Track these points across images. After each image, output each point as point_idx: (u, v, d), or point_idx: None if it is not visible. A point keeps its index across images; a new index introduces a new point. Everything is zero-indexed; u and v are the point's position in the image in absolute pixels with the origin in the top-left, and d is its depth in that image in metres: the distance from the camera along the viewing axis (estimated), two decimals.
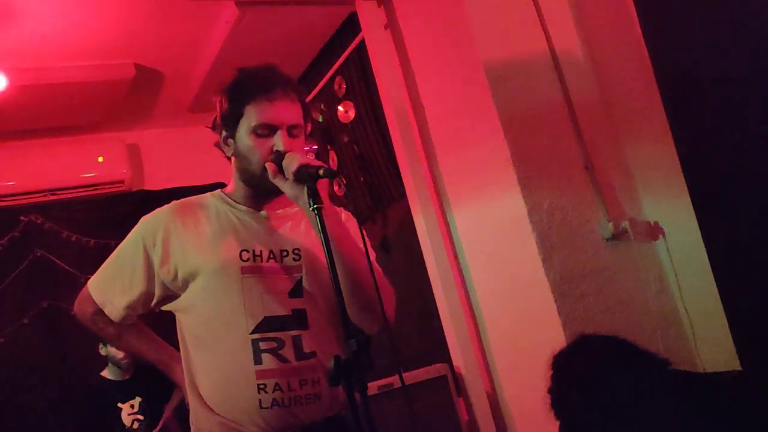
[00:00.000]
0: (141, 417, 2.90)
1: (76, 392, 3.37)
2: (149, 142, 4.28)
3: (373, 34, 2.97)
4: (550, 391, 1.64)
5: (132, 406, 2.90)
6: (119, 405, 2.89)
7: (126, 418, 2.88)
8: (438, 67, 2.76)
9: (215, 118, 1.50)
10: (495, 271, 2.60)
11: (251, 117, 1.43)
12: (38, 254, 3.77)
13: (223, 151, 1.52)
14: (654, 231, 2.48)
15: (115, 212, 3.97)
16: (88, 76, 3.38)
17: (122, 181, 4.03)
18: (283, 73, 1.49)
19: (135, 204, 4.01)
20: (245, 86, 1.45)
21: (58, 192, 3.89)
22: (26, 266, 3.73)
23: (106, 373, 2.97)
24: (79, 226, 3.90)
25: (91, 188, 3.96)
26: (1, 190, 3.76)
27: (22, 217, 3.79)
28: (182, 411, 2.72)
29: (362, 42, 3.17)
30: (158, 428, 2.80)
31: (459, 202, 2.76)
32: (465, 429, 2.77)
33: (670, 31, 2.42)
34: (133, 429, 2.86)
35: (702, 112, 2.35)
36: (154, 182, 4.22)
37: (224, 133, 1.49)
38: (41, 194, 3.84)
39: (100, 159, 3.96)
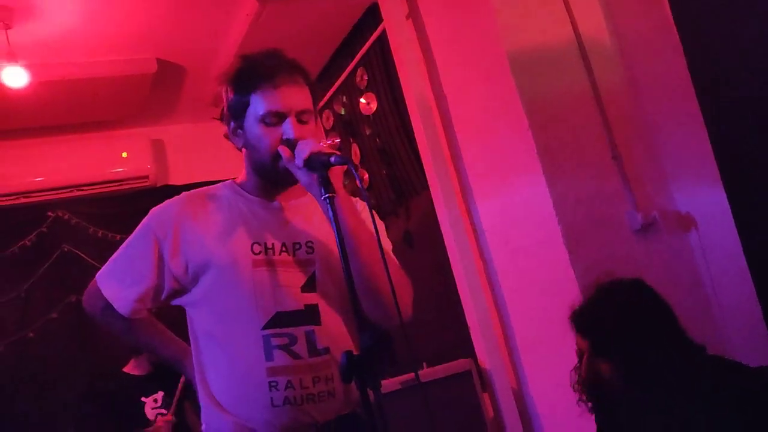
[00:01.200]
0: (164, 411, 2.92)
1: (103, 386, 3.41)
2: (173, 137, 4.31)
3: (395, 24, 2.94)
4: (586, 309, 1.64)
5: (155, 400, 2.93)
6: (143, 399, 2.91)
7: (150, 412, 2.90)
8: (461, 57, 2.72)
9: (222, 109, 1.47)
10: (520, 264, 2.55)
11: (258, 106, 1.39)
12: (65, 249, 3.82)
13: (233, 143, 1.48)
14: (686, 222, 2.41)
15: (140, 207, 3.96)
16: (110, 71, 3.42)
17: (147, 177, 4.07)
18: (288, 57, 1.43)
19: (160, 199, 4.00)
20: (249, 74, 1.40)
21: (83, 187, 3.94)
22: (54, 261, 3.79)
23: (129, 369, 3.00)
24: (104, 221, 3.95)
25: (116, 184, 4.01)
26: (27, 186, 3.82)
27: (49, 213, 3.85)
28: (193, 390, 2.73)
29: (384, 33, 3.14)
30: (172, 409, 2.82)
31: (483, 194, 2.72)
32: (490, 425, 2.73)
33: (703, 15, 2.34)
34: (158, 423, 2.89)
35: (736, 98, 2.28)
36: (179, 177, 4.24)
37: (232, 124, 1.45)
38: (67, 190, 3.90)
39: (125, 154, 4.00)
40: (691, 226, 2.40)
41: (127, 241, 1.52)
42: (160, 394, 2.94)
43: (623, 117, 2.47)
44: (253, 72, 1.40)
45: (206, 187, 1.54)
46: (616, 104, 2.47)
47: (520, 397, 2.72)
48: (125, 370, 3.01)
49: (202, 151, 4.22)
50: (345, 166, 1.30)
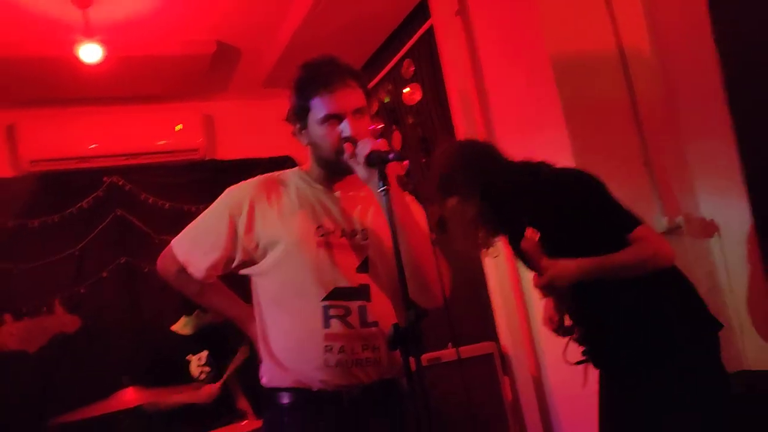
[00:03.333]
0: (208, 369, 3.14)
1: (150, 342, 3.64)
2: (223, 114, 4.49)
3: (443, 19, 3.05)
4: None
5: (200, 359, 3.14)
6: (188, 357, 3.13)
7: (195, 369, 3.11)
8: (505, 56, 2.82)
9: (289, 111, 1.65)
10: None
11: (317, 109, 1.58)
12: (118, 213, 4.05)
13: (299, 140, 1.66)
14: (709, 228, 2.51)
15: (189, 179, 4.21)
16: (173, 50, 3.61)
17: (197, 149, 4.27)
18: (342, 63, 1.62)
19: (207, 172, 4.24)
20: (309, 82, 1.59)
21: (137, 156, 4.15)
22: (107, 224, 4.01)
23: (177, 328, 3.20)
24: (156, 189, 4.15)
25: (168, 154, 4.21)
26: (86, 152, 4.04)
27: (105, 178, 4.07)
28: (242, 370, 2.91)
29: (432, 27, 3.25)
30: (220, 382, 3.00)
31: None
32: (508, 408, 2.87)
33: (742, 28, 2.40)
34: (201, 379, 3.10)
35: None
36: (226, 152, 4.44)
37: (298, 125, 1.64)
38: (123, 157, 4.11)
39: (178, 127, 4.19)
40: (714, 232, 2.50)
41: (203, 214, 1.71)
42: (204, 353, 3.16)
43: (657, 125, 2.57)
44: (312, 80, 1.59)
45: (276, 173, 1.73)
46: (652, 113, 2.57)
47: (539, 384, 2.85)
48: (173, 328, 3.22)
49: (249, 129, 4.42)
50: (399, 161, 1.47)
